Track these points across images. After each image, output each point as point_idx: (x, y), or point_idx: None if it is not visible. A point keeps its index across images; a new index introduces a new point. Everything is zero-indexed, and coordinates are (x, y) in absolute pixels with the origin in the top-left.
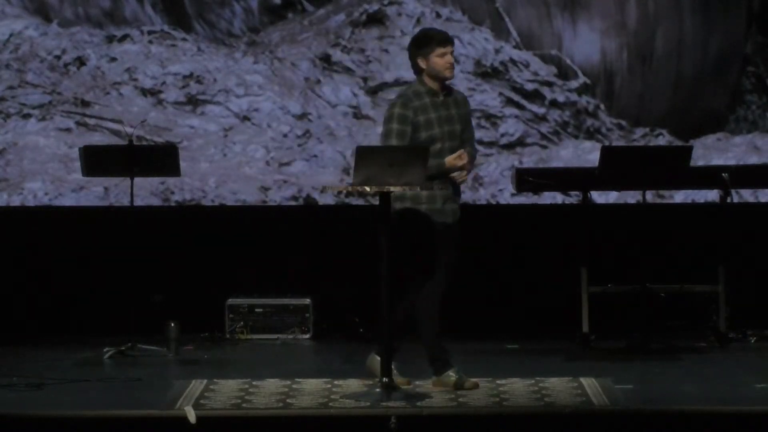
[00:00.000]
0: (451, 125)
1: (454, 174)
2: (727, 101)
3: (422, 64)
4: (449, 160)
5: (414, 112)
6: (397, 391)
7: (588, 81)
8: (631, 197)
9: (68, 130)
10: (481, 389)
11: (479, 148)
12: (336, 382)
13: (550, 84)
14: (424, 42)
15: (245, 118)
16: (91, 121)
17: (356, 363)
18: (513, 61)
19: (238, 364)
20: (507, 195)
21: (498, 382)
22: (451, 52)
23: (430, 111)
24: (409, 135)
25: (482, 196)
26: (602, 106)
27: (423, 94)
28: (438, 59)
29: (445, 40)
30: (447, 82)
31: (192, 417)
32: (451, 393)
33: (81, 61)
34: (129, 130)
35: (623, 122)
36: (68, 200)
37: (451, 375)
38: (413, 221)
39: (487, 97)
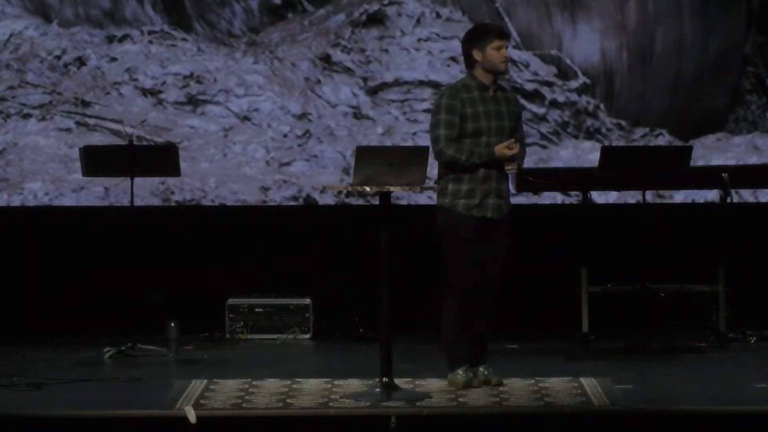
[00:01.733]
0: (499, 121)
1: (507, 166)
2: (727, 101)
3: (477, 56)
4: (499, 148)
5: (462, 103)
6: (397, 391)
7: (588, 81)
8: (631, 197)
9: (68, 130)
10: (480, 389)
11: None
12: (336, 382)
13: (550, 84)
14: (483, 34)
15: (245, 118)
16: (91, 121)
17: (356, 363)
18: (513, 61)
19: (238, 364)
20: None
21: None
22: (507, 47)
23: (478, 104)
24: (458, 125)
25: None
26: (602, 106)
27: (472, 87)
28: (494, 52)
29: (503, 33)
30: (498, 80)
31: (192, 417)
32: (451, 393)
33: (81, 61)
34: (129, 130)
35: (623, 122)
36: (68, 200)
37: (459, 374)
38: (447, 217)
39: None
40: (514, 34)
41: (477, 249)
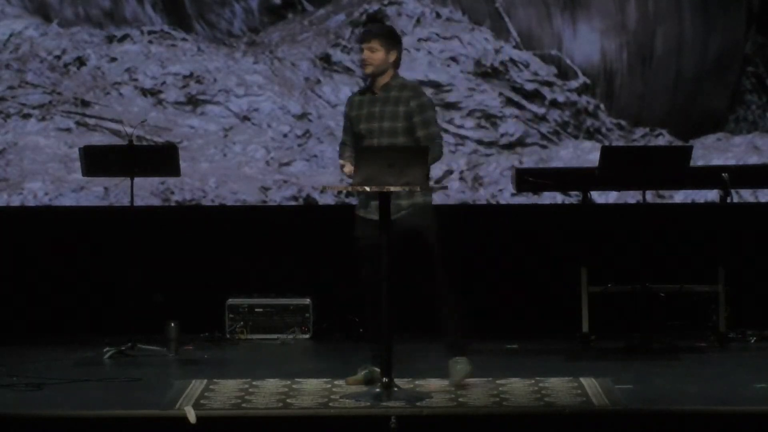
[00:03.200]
0: (380, 122)
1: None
2: (727, 101)
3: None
4: (341, 161)
5: (350, 107)
6: (397, 391)
7: (588, 81)
8: (631, 197)
9: (68, 130)
10: (481, 389)
11: (479, 148)
12: (336, 382)
13: (550, 84)
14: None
15: (245, 118)
16: (91, 121)
17: (356, 363)
18: (513, 61)
19: (238, 364)
20: (507, 195)
21: (498, 382)
22: (363, 49)
23: (365, 107)
24: (348, 129)
25: (482, 196)
26: (602, 106)
27: (366, 90)
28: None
29: (360, 37)
30: (378, 78)
31: (192, 417)
32: (451, 393)
33: (81, 61)
34: (129, 130)
35: (623, 122)
36: (68, 200)
37: (359, 372)
38: (354, 225)
39: (487, 97)
40: (514, 34)
41: (373, 250)
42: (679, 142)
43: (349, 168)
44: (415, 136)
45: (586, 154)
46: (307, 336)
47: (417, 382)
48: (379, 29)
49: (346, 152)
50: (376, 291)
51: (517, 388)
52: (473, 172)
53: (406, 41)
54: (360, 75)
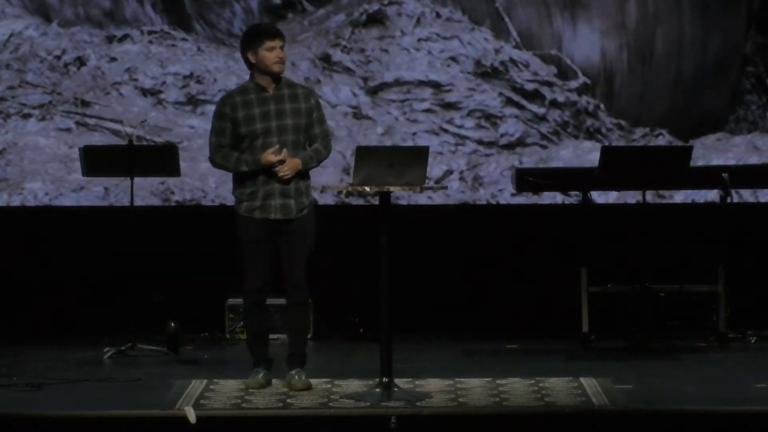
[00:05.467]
0: (280, 120)
1: (276, 169)
2: (727, 101)
3: (252, 58)
4: (266, 155)
5: (233, 107)
6: (397, 391)
7: (588, 81)
8: (631, 197)
9: (68, 130)
10: (481, 389)
11: (479, 148)
12: (336, 382)
13: (550, 84)
14: (254, 36)
15: None
16: (91, 121)
17: (356, 363)
18: (513, 61)
19: (238, 364)
20: (507, 195)
21: (498, 382)
22: (281, 47)
23: (254, 106)
24: (229, 131)
25: (482, 196)
26: (602, 106)
27: (249, 90)
28: (266, 53)
29: (274, 33)
30: (281, 77)
31: (192, 417)
32: (451, 393)
33: (81, 61)
34: (129, 130)
35: (623, 122)
36: (68, 200)
37: (252, 373)
38: (235, 220)
39: (487, 97)
40: (514, 34)
41: (264, 251)
42: (679, 142)
43: (275, 153)
44: (311, 133)
45: (586, 154)
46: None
47: (417, 382)
48: None
49: (233, 157)
50: (266, 292)
51: (517, 388)
52: (473, 172)
53: (406, 41)
54: (360, 75)
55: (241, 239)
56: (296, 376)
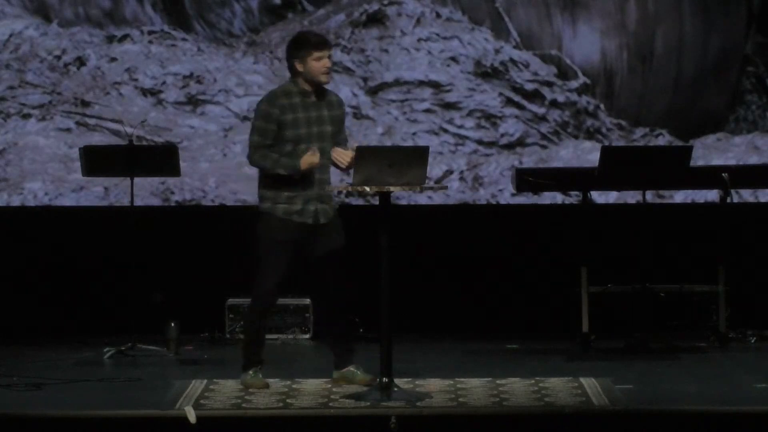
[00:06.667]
0: (320, 126)
1: (336, 157)
2: (727, 101)
3: (299, 67)
4: (304, 159)
5: (281, 110)
6: (397, 391)
7: (588, 81)
8: (631, 197)
9: (68, 130)
10: (481, 389)
11: (479, 148)
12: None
13: (550, 84)
14: (302, 46)
15: (245, 118)
16: (91, 121)
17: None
18: (513, 61)
19: (238, 364)
20: (507, 195)
21: (498, 382)
22: (329, 56)
23: (299, 110)
24: (273, 133)
25: (482, 196)
26: (602, 106)
27: (293, 93)
28: (315, 63)
29: (322, 44)
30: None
31: (192, 417)
32: (451, 393)
33: (81, 61)
34: (129, 130)
35: (623, 122)
36: (68, 200)
37: (250, 374)
38: (265, 221)
39: (487, 97)
40: (514, 34)
41: (291, 253)
42: (679, 142)
43: (312, 156)
44: (337, 139)
45: (586, 154)
46: (307, 336)
47: (417, 382)
48: None
49: (271, 157)
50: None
51: (517, 388)
52: (473, 172)
53: (406, 41)
54: (360, 75)
55: (269, 239)
56: (358, 372)
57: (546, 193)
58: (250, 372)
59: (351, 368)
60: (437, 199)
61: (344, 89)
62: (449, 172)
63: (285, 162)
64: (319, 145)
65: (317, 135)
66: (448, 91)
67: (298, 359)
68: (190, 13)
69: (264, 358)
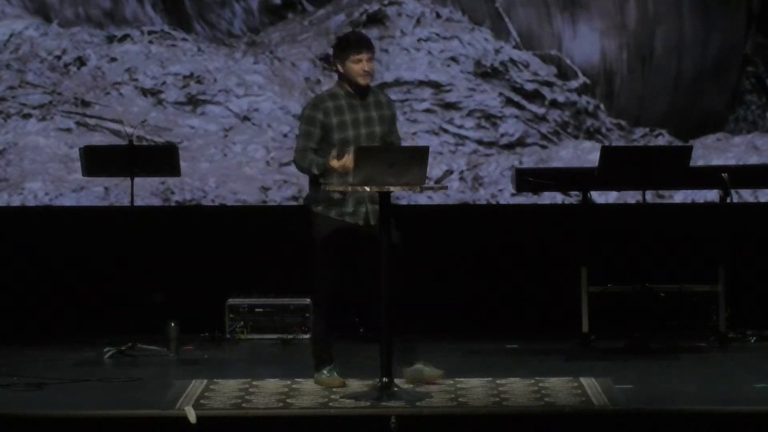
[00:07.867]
0: (369, 128)
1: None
2: (727, 101)
3: (340, 68)
4: (333, 163)
5: (325, 113)
6: (397, 391)
7: (588, 81)
8: (631, 197)
9: (68, 130)
10: (481, 389)
11: (479, 148)
12: None
13: (550, 84)
14: (341, 48)
15: (245, 118)
16: (91, 121)
17: (356, 363)
18: (513, 61)
19: (238, 364)
20: (507, 195)
21: (498, 382)
22: (369, 59)
23: (345, 113)
24: (318, 136)
25: (482, 196)
26: (602, 106)
27: (340, 96)
28: (353, 65)
29: (362, 45)
30: (371, 85)
31: (192, 417)
32: (451, 393)
33: (81, 61)
34: (129, 130)
35: (623, 122)
36: (68, 200)
37: (324, 374)
38: (318, 223)
39: (487, 97)
40: (514, 34)
41: (345, 254)
42: (679, 142)
43: (348, 160)
44: (389, 140)
45: (586, 154)
46: (307, 336)
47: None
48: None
49: (308, 158)
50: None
51: (517, 388)
52: (473, 172)
53: (406, 41)
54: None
55: (323, 241)
56: (427, 368)
57: (546, 193)
58: (324, 372)
59: (419, 366)
60: (437, 199)
61: None
62: (449, 172)
63: (318, 161)
64: (368, 145)
65: (366, 136)
66: (448, 91)
67: (298, 359)
68: (191, 13)
69: (332, 357)
